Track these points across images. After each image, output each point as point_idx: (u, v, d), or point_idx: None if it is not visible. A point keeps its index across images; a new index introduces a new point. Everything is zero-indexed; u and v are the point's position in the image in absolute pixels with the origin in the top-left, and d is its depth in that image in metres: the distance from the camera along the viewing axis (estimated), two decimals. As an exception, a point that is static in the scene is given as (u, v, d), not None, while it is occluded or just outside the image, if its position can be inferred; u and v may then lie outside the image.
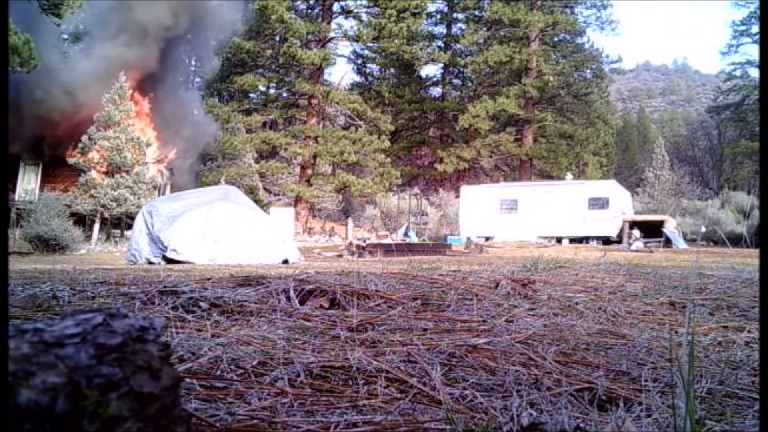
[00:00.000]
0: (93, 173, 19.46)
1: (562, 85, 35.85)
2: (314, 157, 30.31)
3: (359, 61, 41.28)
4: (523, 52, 33.14)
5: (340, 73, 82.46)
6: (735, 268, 4.85)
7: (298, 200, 30.47)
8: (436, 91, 43.54)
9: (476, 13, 37.68)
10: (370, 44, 34.19)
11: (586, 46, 38.17)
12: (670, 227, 19.48)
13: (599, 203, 20.84)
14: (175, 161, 25.01)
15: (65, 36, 26.85)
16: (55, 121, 20.72)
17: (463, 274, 3.74)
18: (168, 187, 24.72)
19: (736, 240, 19.50)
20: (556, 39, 36.75)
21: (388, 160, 30.37)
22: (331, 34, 31.95)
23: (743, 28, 39.99)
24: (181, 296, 2.29)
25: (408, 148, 41.66)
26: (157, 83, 24.51)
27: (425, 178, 42.15)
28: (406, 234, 23.24)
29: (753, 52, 39.27)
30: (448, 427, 1.00)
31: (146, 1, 22.14)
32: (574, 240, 20.31)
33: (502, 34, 35.08)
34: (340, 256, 13.92)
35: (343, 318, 2.03)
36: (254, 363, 1.37)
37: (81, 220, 18.49)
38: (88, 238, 18.50)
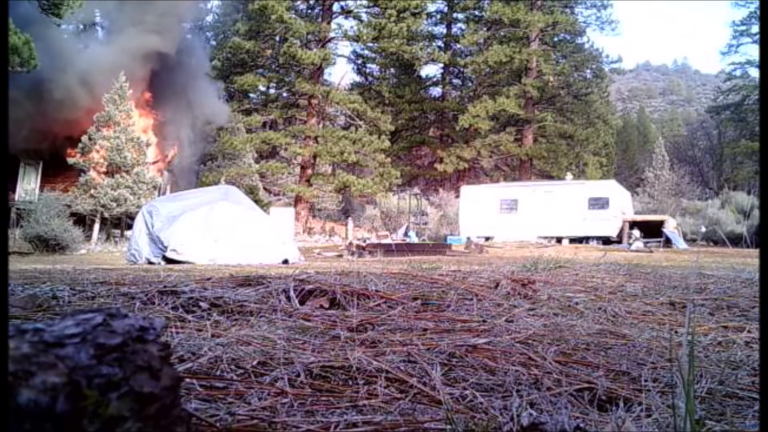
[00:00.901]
0: (93, 173, 19.48)
1: (562, 85, 35.84)
2: (314, 157, 30.30)
3: (359, 61, 41.31)
4: (523, 52, 33.13)
5: (340, 73, 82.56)
6: (735, 268, 4.85)
7: (298, 200, 30.46)
8: (436, 91, 43.58)
9: (476, 13, 37.67)
10: (370, 44, 34.17)
11: (586, 46, 38.18)
12: (670, 227, 19.47)
13: (599, 203, 20.83)
14: (187, 151, 25.24)
15: (65, 36, 26.86)
16: (80, 120, 20.71)
17: (463, 274, 3.74)
18: (168, 187, 24.73)
19: (736, 240, 19.48)
20: (556, 39, 36.73)
21: (388, 160, 30.37)
22: (331, 34, 31.94)
23: (743, 28, 39.97)
24: (181, 296, 2.28)
25: (408, 148, 41.66)
26: (176, 71, 24.72)
27: (425, 178, 42.14)
28: (406, 234, 23.23)
29: (753, 52, 39.29)
30: (448, 427, 1.00)
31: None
32: (574, 240, 20.31)
33: (502, 34, 35.08)
34: (340, 256, 13.91)
35: (343, 318, 2.03)
36: (254, 363, 1.37)
37: (81, 220, 18.50)
38: (88, 238, 18.52)
